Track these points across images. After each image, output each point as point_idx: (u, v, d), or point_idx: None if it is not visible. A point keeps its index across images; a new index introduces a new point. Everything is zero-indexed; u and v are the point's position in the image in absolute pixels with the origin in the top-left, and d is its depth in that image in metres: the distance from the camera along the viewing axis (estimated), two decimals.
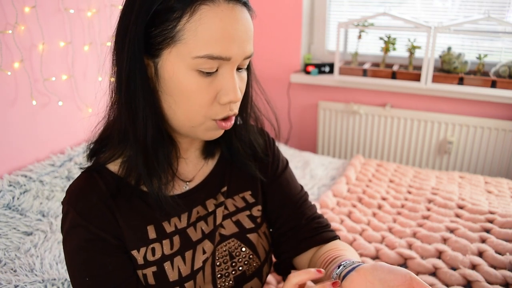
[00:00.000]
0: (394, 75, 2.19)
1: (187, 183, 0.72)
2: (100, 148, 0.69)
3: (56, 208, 1.37)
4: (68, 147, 1.62)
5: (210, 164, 0.75)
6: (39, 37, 1.45)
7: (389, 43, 2.21)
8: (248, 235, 0.73)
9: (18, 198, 1.31)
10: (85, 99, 1.70)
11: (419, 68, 2.21)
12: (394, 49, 2.23)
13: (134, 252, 0.65)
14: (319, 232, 0.77)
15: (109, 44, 1.95)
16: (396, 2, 2.27)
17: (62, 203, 0.65)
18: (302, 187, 0.83)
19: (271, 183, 0.79)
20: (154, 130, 0.60)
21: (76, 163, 1.54)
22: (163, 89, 0.59)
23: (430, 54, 2.03)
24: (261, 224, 0.76)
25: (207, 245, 0.69)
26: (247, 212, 0.75)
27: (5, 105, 1.36)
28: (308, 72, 2.43)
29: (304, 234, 0.76)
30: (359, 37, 2.27)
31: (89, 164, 0.68)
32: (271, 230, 0.81)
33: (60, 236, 1.27)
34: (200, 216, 0.71)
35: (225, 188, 0.74)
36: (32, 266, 1.12)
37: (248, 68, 0.68)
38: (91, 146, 0.69)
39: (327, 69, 2.43)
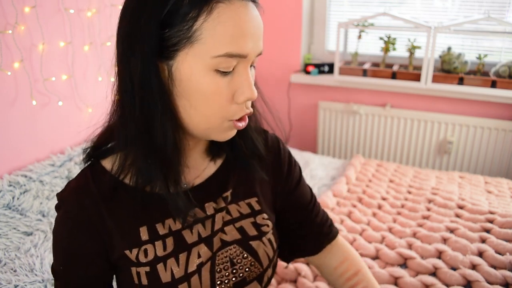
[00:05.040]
0: (394, 75, 2.19)
1: (185, 184, 0.70)
2: (99, 149, 0.68)
3: None
4: (68, 147, 1.62)
5: (213, 167, 0.74)
6: (39, 37, 1.45)
7: (389, 43, 2.21)
8: (251, 242, 0.70)
9: (18, 198, 1.31)
10: (85, 99, 1.70)
11: (419, 68, 2.21)
12: (394, 49, 2.23)
13: (127, 252, 0.65)
14: (330, 230, 0.85)
15: (109, 44, 1.93)
16: (396, 2, 2.27)
17: (57, 195, 0.67)
18: (311, 189, 0.87)
19: (286, 197, 0.81)
20: (173, 136, 0.59)
21: (76, 163, 1.54)
22: (178, 92, 0.57)
23: (430, 54, 2.03)
24: (265, 232, 0.74)
25: (203, 249, 0.67)
26: (252, 219, 0.73)
27: (5, 105, 1.36)
28: (308, 72, 2.43)
29: (316, 236, 0.83)
30: (359, 37, 2.27)
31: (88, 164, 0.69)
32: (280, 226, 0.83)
33: None
34: (197, 218, 0.69)
35: (227, 193, 0.72)
36: (32, 266, 1.12)
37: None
38: (89, 149, 0.68)
39: (327, 69, 2.43)
